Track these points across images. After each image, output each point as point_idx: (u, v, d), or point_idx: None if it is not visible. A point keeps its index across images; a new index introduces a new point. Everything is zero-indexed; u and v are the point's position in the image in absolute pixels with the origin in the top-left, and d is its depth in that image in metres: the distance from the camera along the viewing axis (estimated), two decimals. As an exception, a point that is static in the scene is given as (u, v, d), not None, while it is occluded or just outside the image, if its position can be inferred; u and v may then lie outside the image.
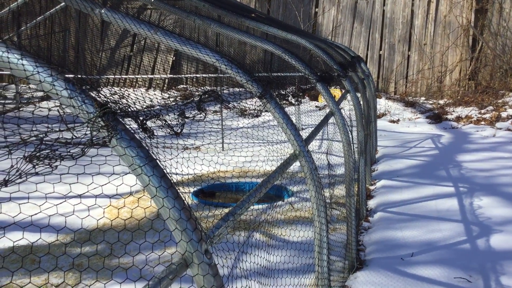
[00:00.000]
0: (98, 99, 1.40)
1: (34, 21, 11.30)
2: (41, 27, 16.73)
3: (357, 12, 15.72)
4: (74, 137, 1.31)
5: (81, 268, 4.35)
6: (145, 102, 1.72)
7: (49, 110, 1.36)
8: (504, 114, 11.89)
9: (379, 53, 15.61)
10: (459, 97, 14.17)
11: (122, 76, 16.29)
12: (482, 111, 12.52)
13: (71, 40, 16.79)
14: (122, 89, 15.15)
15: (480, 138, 10.29)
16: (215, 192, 6.88)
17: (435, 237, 4.99)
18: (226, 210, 2.05)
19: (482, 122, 11.73)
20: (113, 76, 16.37)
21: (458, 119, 12.27)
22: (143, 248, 4.42)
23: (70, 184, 1.67)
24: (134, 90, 15.52)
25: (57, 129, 1.29)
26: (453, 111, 12.94)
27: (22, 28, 13.19)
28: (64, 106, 1.37)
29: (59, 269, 4.33)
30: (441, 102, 14.25)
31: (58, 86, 1.35)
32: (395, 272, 4.22)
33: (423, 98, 14.95)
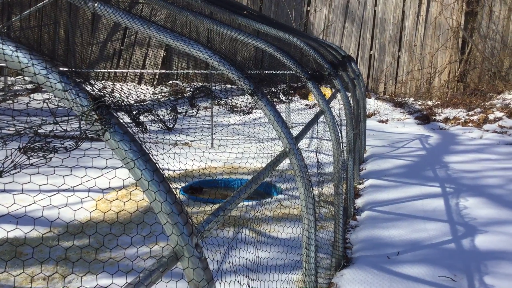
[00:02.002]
0: (92, 92, 1.41)
1: (28, 11, 11.18)
2: (32, 19, 16.58)
3: (349, 12, 15.78)
4: (67, 130, 1.33)
5: (72, 261, 4.35)
6: (138, 96, 1.73)
7: (43, 102, 1.37)
8: (491, 117, 12.02)
9: (370, 53, 15.70)
10: (447, 99, 14.31)
11: (112, 70, 16.20)
12: (470, 113, 12.65)
13: (60, 33, 16.65)
14: (114, 83, 15.07)
15: (467, 140, 10.40)
16: (203, 188, 6.89)
17: (421, 236, 5.04)
18: (215, 206, 2.07)
19: (470, 124, 11.86)
20: (103, 70, 16.27)
21: (446, 120, 12.39)
22: (134, 242, 4.43)
23: (63, 176, 1.68)
24: (126, 84, 15.43)
25: (51, 122, 1.30)
26: (442, 113, 13.06)
27: (13, 20, 13.07)
28: (58, 99, 1.38)
29: (49, 260, 4.32)
30: (430, 103, 14.36)
31: (53, 79, 1.36)
32: (381, 270, 4.27)
33: (412, 99, 15.06)
